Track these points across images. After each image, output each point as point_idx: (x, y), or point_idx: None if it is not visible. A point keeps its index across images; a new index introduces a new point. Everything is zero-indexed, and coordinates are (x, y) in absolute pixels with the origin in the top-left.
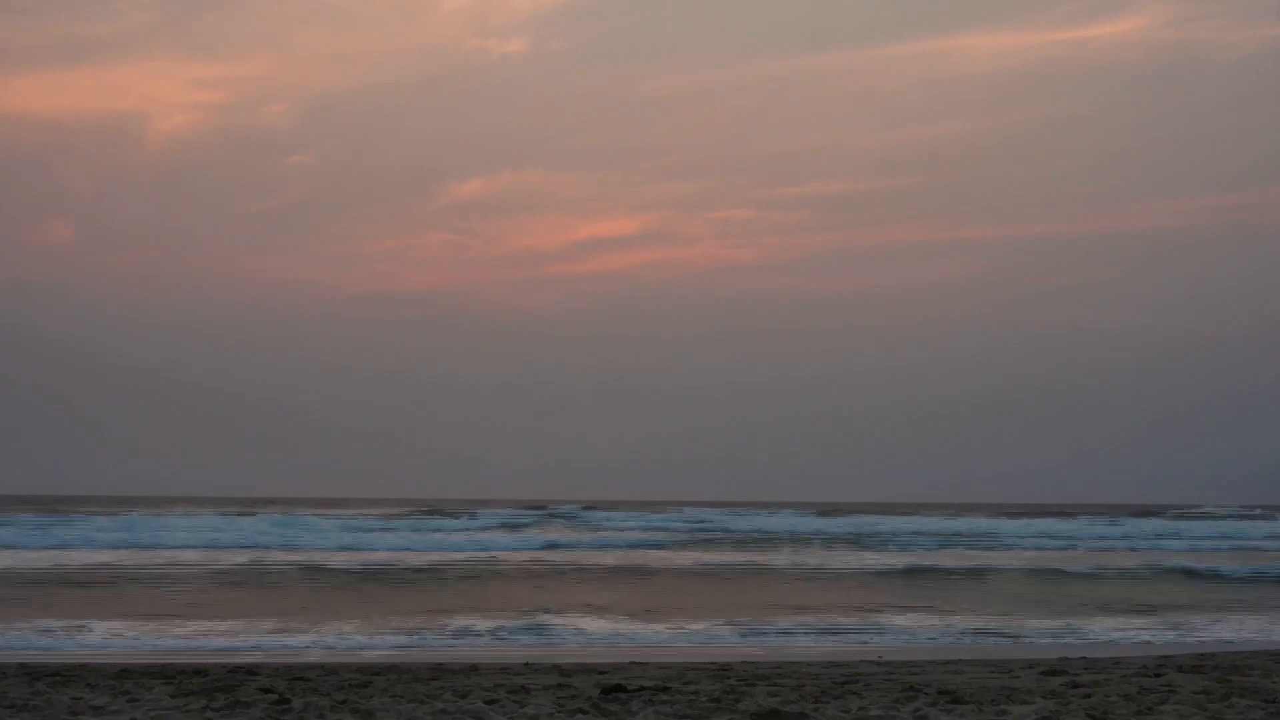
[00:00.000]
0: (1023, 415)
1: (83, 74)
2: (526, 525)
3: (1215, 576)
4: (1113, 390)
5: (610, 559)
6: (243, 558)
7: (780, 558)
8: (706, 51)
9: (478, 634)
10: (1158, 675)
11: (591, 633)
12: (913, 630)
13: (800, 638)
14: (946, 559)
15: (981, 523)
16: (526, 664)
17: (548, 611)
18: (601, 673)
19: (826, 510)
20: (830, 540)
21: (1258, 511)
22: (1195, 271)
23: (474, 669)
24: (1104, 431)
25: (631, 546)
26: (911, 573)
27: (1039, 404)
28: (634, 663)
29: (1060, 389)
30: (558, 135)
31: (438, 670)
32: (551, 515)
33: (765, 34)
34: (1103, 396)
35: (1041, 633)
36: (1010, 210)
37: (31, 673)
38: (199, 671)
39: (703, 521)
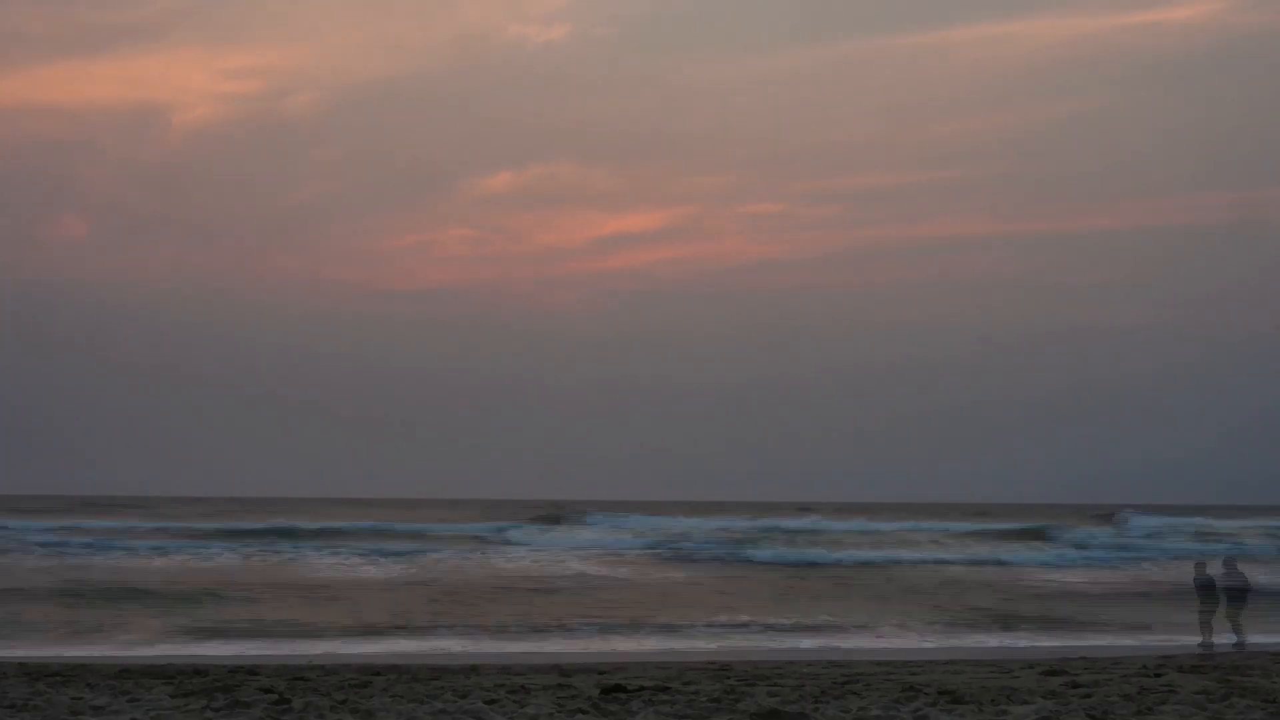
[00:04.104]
0: (1064, 412)
1: (106, 64)
2: None
3: None
4: (1140, 388)
5: None
6: None
7: None
8: (751, 38)
9: None
10: (1158, 675)
11: None
12: None
13: None
14: None
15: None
16: (527, 665)
17: None
18: (601, 673)
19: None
20: None
21: None
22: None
23: (474, 669)
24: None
25: None
26: None
27: (1073, 400)
28: (634, 662)
29: (1097, 386)
30: (591, 126)
31: (438, 670)
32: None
33: (807, 20)
34: (1138, 394)
35: None
36: (1056, 204)
37: (31, 673)
38: (199, 671)
39: None
